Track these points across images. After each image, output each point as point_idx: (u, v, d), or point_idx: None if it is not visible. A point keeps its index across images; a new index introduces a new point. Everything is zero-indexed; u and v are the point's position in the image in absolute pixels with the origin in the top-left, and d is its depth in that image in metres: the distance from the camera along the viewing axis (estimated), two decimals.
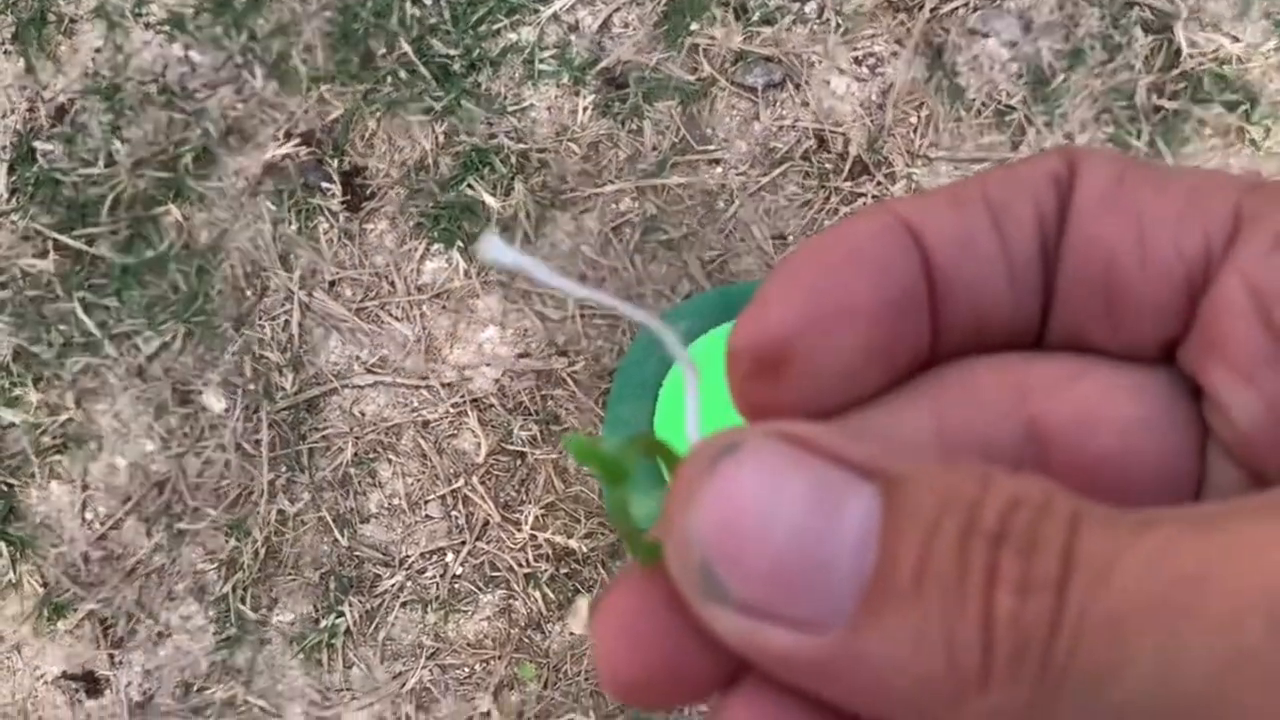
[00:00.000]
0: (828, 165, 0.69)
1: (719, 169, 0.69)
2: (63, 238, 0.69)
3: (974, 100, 0.69)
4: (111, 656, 0.69)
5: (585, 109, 0.69)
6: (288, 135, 0.69)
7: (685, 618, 0.11)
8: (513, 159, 0.68)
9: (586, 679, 0.69)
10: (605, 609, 0.12)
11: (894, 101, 0.69)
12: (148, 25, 0.70)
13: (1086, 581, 0.09)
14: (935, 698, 0.10)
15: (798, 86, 0.69)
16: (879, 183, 0.68)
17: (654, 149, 0.69)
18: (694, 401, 0.12)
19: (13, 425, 0.69)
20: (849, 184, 0.68)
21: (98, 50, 0.70)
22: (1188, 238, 0.12)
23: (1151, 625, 0.09)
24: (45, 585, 0.69)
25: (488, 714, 0.69)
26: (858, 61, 0.69)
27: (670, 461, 0.11)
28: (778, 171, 0.69)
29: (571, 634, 0.69)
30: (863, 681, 0.10)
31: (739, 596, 0.10)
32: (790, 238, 0.69)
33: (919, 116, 0.69)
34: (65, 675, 0.69)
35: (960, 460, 0.11)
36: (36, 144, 0.69)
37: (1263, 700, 0.09)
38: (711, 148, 0.69)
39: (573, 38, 0.69)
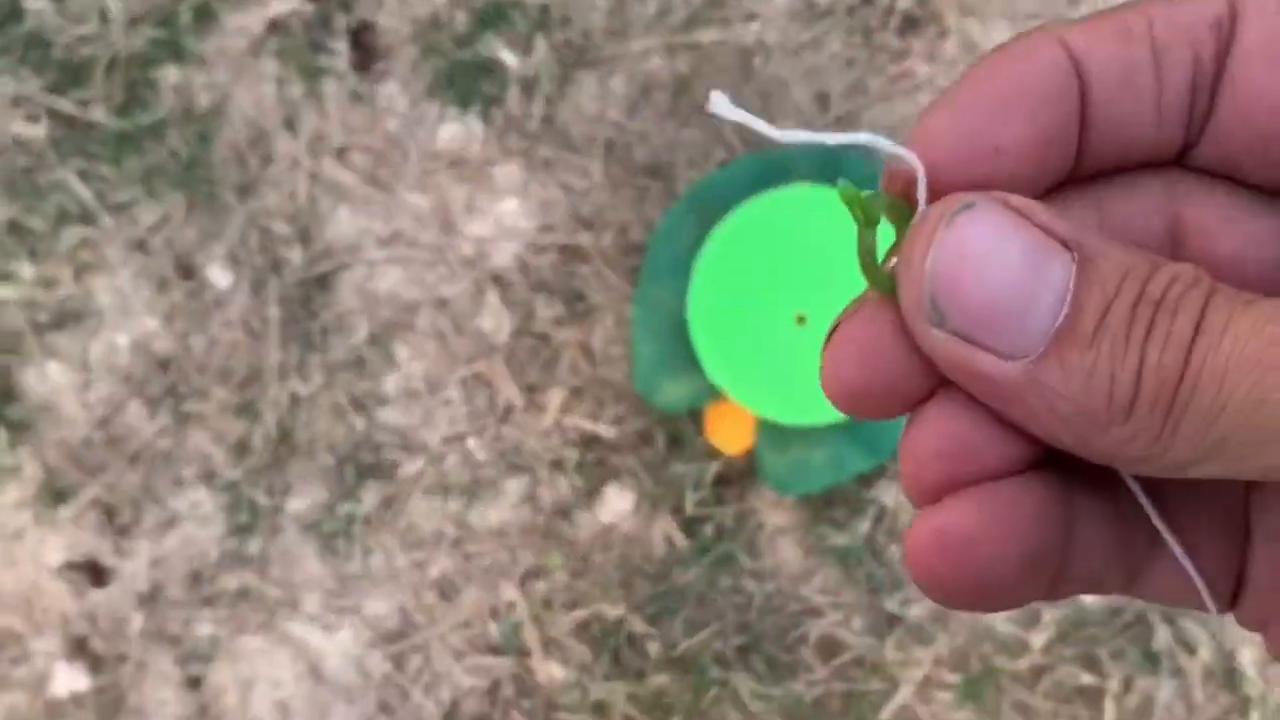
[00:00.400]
0: (873, 21, 0.64)
1: (755, 25, 0.64)
2: (55, 102, 0.64)
3: None
4: (117, 545, 0.66)
5: None
6: None
7: (906, 340, 0.14)
8: (533, 13, 0.64)
9: (615, 569, 0.66)
10: (840, 329, 0.15)
11: None
12: None
13: (1206, 342, 0.13)
14: (1091, 423, 0.13)
15: None
16: (929, 40, 0.63)
17: (685, 2, 0.64)
18: (923, 190, 0.14)
19: (7, 302, 0.65)
20: (897, 41, 0.64)
21: None
22: None
23: (1246, 377, 0.12)
24: (46, 470, 0.66)
25: (513, 604, 0.66)
26: None
27: (903, 217, 0.14)
28: (820, 28, 0.64)
29: (600, 522, 0.66)
30: (1038, 405, 0.13)
31: (954, 325, 0.13)
32: (833, 98, 0.64)
33: None
34: (69, 564, 0.66)
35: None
36: (25, 2, 0.64)
37: None
38: (747, 2, 0.64)
39: None
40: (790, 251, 0.61)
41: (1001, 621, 0.65)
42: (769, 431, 0.62)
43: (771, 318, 0.61)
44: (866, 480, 0.65)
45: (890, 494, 0.65)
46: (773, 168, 0.62)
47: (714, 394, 0.62)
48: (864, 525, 0.65)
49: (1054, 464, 0.15)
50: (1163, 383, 0.13)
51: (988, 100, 0.14)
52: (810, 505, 0.65)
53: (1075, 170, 0.15)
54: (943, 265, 0.13)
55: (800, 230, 0.61)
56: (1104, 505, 0.15)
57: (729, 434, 0.63)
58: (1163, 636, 0.64)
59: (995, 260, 0.13)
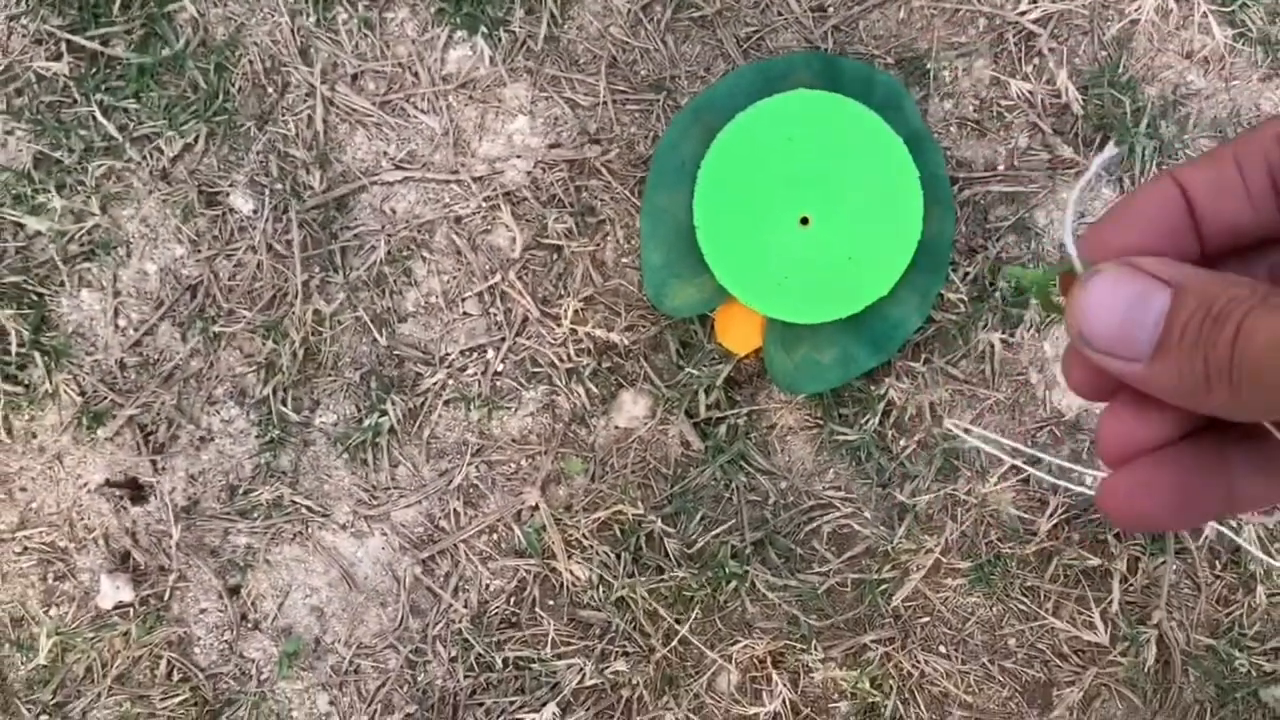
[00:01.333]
0: None
1: None
2: (76, 38, 0.66)
3: None
4: (154, 463, 0.69)
5: None
6: None
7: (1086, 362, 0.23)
8: None
9: (633, 472, 0.68)
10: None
11: None
12: None
13: (1244, 340, 0.19)
14: (1188, 397, 0.21)
15: None
16: None
17: None
18: (1069, 236, 0.23)
19: (39, 234, 0.68)
20: None
21: None
22: None
23: (1267, 367, 0.19)
24: (82, 394, 0.68)
25: (535, 508, 0.69)
26: None
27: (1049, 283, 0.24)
28: None
29: (616, 427, 0.68)
30: (1161, 389, 0.21)
31: (1097, 346, 0.22)
32: (830, 9, 0.66)
33: None
34: (108, 483, 0.69)
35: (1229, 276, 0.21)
36: None
37: None
38: None
39: None
40: (791, 156, 0.63)
41: (1008, 508, 0.68)
42: (777, 333, 0.64)
43: (776, 220, 0.63)
44: (873, 378, 0.67)
45: (897, 390, 0.67)
46: (772, 76, 0.64)
47: (722, 297, 0.64)
48: (872, 421, 0.67)
49: (1212, 430, 0.22)
50: (1219, 370, 0.20)
51: (1118, 218, 0.24)
52: (820, 404, 0.68)
53: (1206, 251, 0.24)
54: (1079, 311, 0.22)
55: (800, 135, 0.63)
56: (1254, 450, 0.22)
57: (737, 335, 0.65)
58: None
59: (1108, 303, 0.22)
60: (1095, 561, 0.68)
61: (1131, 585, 0.68)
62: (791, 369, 0.65)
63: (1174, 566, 0.68)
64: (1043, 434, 0.68)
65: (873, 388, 0.67)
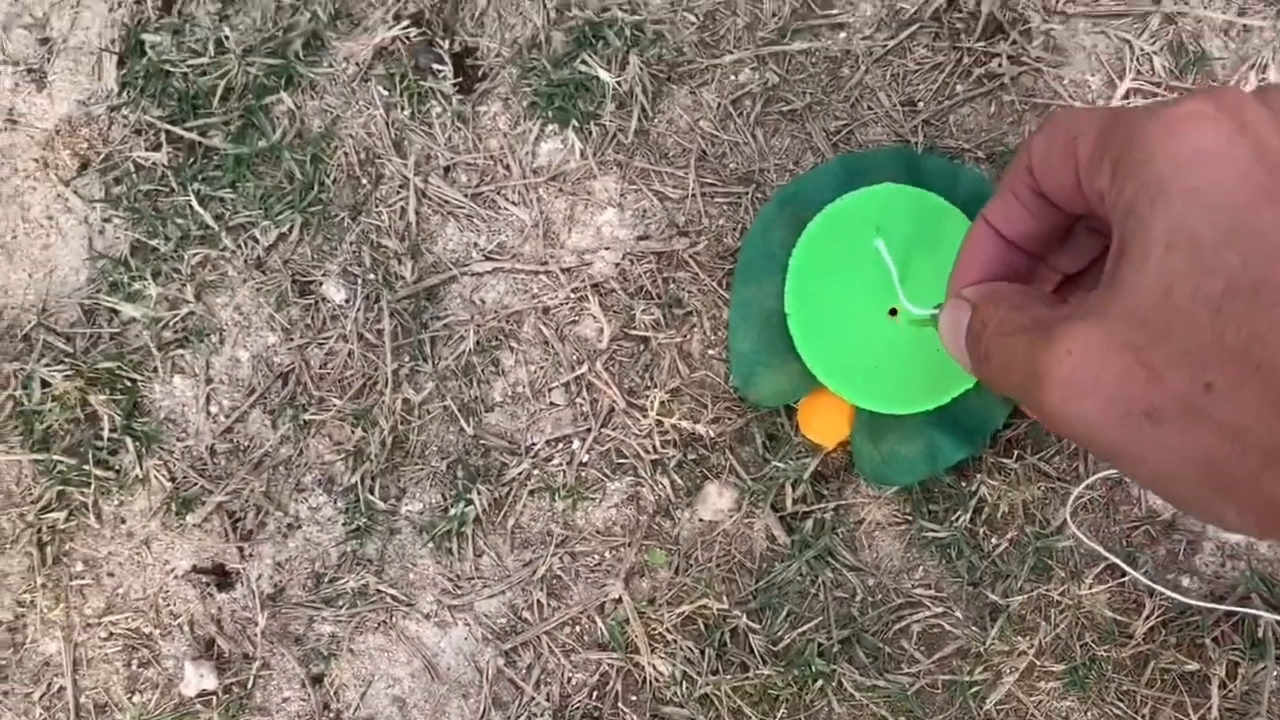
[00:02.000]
0: (959, 25, 0.65)
1: (843, 34, 0.66)
2: (175, 129, 0.68)
3: None
4: (241, 549, 0.69)
5: None
6: (397, 17, 0.67)
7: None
8: (627, 31, 0.66)
9: (717, 565, 0.68)
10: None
11: None
12: None
13: (989, 327, 0.34)
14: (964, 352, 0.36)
15: None
16: (1014, 41, 0.65)
17: (774, 15, 0.66)
18: (895, 272, 0.49)
19: (134, 320, 0.69)
20: (982, 44, 0.65)
21: None
22: (1080, 173, 0.32)
23: (999, 381, 0.34)
24: (172, 480, 0.69)
25: (618, 600, 0.68)
26: None
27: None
28: (906, 34, 0.66)
29: (700, 520, 0.68)
30: (980, 378, 0.35)
31: (952, 355, 0.37)
32: (920, 103, 0.66)
33: None
34: (195, 569, 0.69)
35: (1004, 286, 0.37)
36: (145, 36, 0.68)
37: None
38: (835, 12, 0.66)
39: None
40: (874, 248, 0.63)
41: (1103, 609, 0.66)
42: (864, 424, 0.64)
43: (865, 311, 0.62)
44: (964, 473, 0.66)
45: (988, 487, 0.66)
46: (858, 170, 0.64)
47: (808, 387, 0.63)
48: (963, 517, 0.66)
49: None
50: (976, 350, 0.34)
51: (958, 264, 0.38)
52: (909, 499, 0.67)
53: (1035, 252, 0.38)
54: (940, 327, 0.37)
55: (887, 227, 0.63)
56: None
57: (823, 427, 0.65)
58: (1266, 623, 0.64)
59: (945, 327, 0.36)
60: (1193, 666, 0.66)
61: (1231, 691, 0.66)
62: (879, 461, 0.64)
63: (1275, 673, 0.66)
64: (1138, 534, 0.67)
65: (963, 484, 0.66)
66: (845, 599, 0.67)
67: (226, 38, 0.67)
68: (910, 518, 0.67)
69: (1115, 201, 0.30)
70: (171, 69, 0.68)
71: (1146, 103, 0.33)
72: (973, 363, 0.36)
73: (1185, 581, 0.67)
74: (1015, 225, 0.37)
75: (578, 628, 0.68)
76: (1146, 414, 0.28)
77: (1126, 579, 0.66)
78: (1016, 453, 0.66)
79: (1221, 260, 0.26)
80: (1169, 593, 0.66)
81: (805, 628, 0.67)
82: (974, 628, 0.67)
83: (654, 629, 0.68)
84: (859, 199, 0.62)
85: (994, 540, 0.67)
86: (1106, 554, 0.66)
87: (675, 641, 0.67)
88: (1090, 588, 0.66)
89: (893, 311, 0.62)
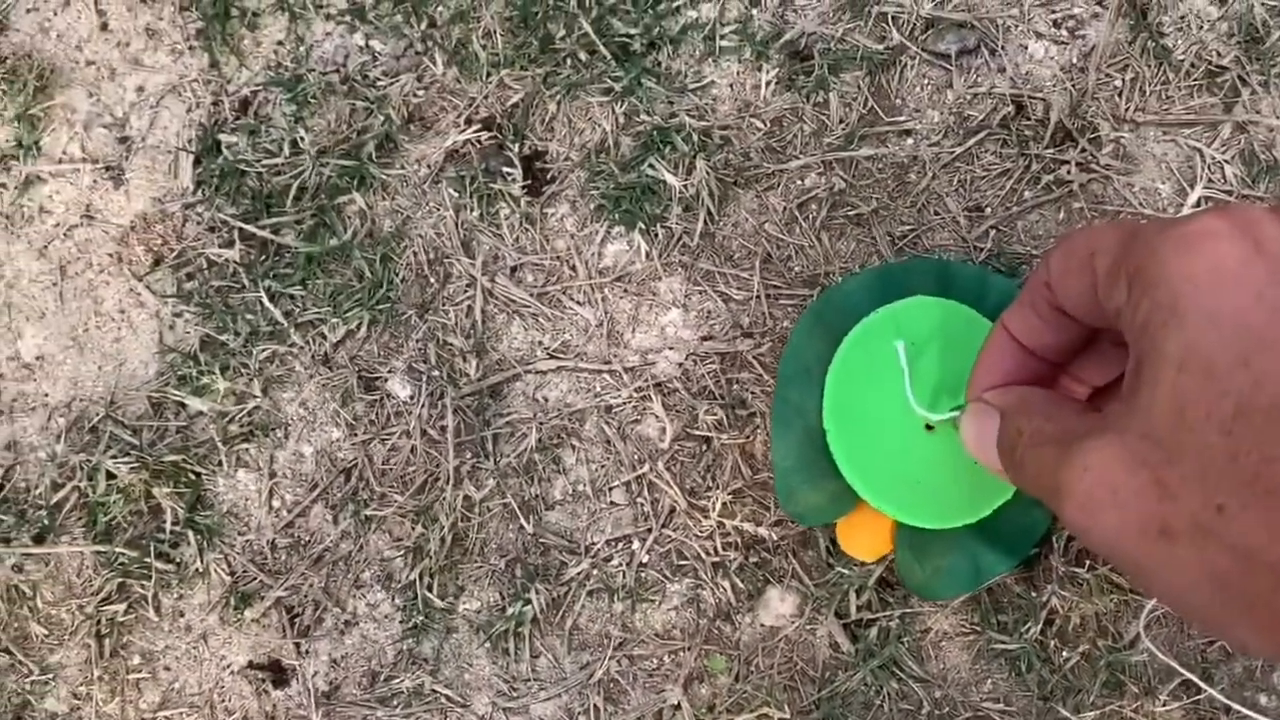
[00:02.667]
0: (1027, 132, 0.66)
1: (910, 140, 0.67)
2: (248, 227, 0.69)
3: (1182, 61, 0.65)
4: (298, 645, 0.68)
5: (768, 84, 0.67)
6: (468, 121, 0.69)
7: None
8: (694, 137, 0.67)
9: (779, 672, 0.66)
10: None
11: (1096, 64, 0.66)
12: (329, 16, 0.70)
13: (1021, 468, 0.37)
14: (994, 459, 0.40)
15: (993, 52, 0.66)
16: (1083, 149, 0.65)
17: (841, 122, 0.67)
18: (907, 376, 0.51)
19: (200, 414, 0.69)
20: (1051, 151, 0.65)
21: (280, 43, 0.71)
22: (1098, 289, 0.34)
23: (1031, 486, 0.36)
24: (232, 574, 0.69)
25: (678, 706, 0.67)
26: (1056, 24, 0.66)
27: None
28: (973, 140, 0.66)
29: (762, 625, 0.67)
30: (1011, 480, 0.39)
31: (974, 457, 0.43)
32: (988, 209, 0.66)
33: (1124, 79, 0.66)
34: (252, 665, 0.69)
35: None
36: (221, 136, 0.70)
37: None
38: (902, 118, 0.67)
39: (754, 11, 0.68)
40: (912, 361, 0.61)
41: None
42: (907, 539, 0.62)
43: (903, 425, 0.61)
44: (1034, 583, 0.65)
45: (1059, 598, 0.64)
46: (890, 281, 0.64)
47: (850, 503, 0.62)
48: (1033, 629, 0.64)
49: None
50: (1009, 460, 0.37)
51: (977, 368, 0.43)
52: (977, 609, 0.65)
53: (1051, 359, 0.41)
54: (963, 438, 0.42)
55: (921, 341, 0.61)
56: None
57: (865, 543, 0.64)
58: None
59: (969, 431, 0.41)
60: None
61: None
62: (924, 576, 0.63)
63: None
64: (1213, 649, 0.65)
65: (1034, 594, 0.65)
66: (911, 711, 0.66)
67: (301, 139, 0.69)
68: (979, 628, 0.65)
69: (1131, 319, 0.30)
70: (246, 168, 0.69)
71: (1164, 219, 0.33)
72: (1007, 470, 0.38)
73: (1263, 700, 0.65)
74: (1034, 336, 0.39)
75: None
76: (1161, 531, 0.28)
77: (1202, 696, 0.64)
78: (1088, 563, 0.65)
79: (1234, 383, 0.27)
80: (1246, 711, 0.64)
81: None
82: None
83: None
84: (892, 312, 0.62)
85: (1065, 653, 0.65)
86: (1181, 670, 0.64)
87: None
88: (1165, 704, 0.64)
89: (929, 426, 0.62)
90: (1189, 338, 0.28)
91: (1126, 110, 0.66)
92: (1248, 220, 0.29)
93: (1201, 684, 0.64)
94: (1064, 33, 0.66)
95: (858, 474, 0.61)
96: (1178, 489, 0.28)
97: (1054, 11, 0.66)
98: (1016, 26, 0.66)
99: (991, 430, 0.39)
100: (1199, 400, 0.28)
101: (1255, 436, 0.26)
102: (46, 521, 0.70)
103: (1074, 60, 0.66)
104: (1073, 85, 0.66)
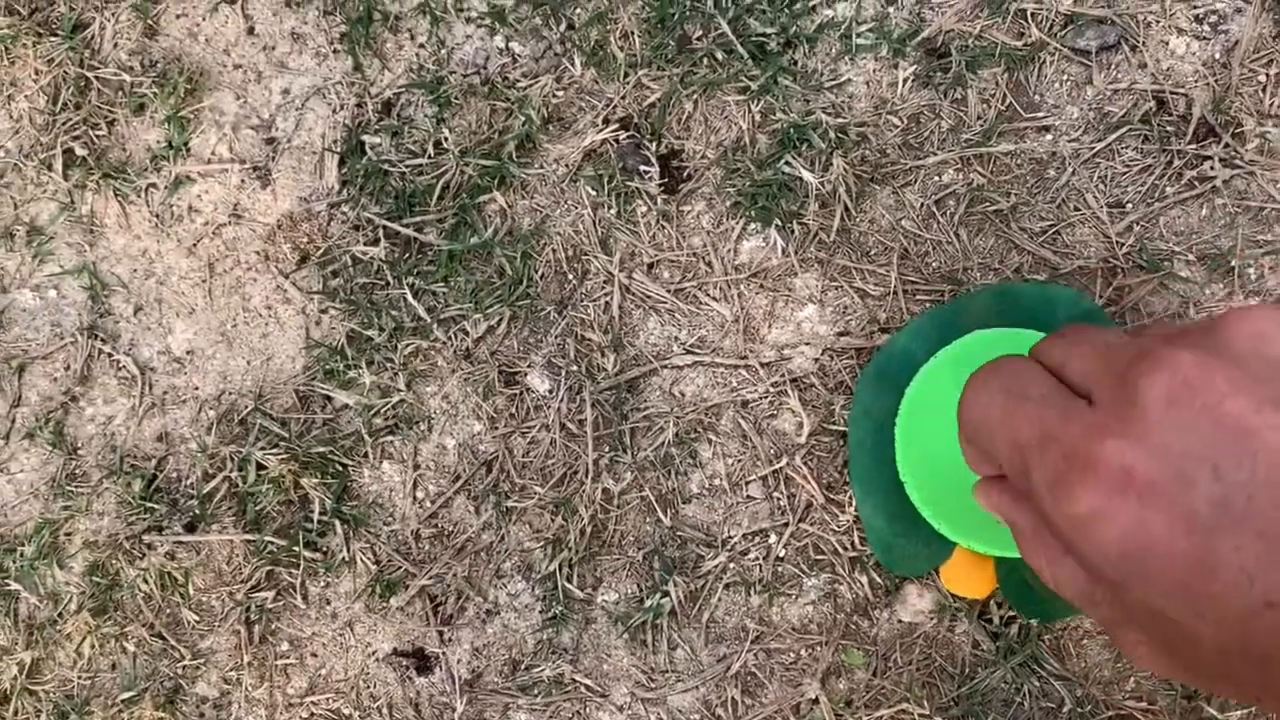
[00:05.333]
0: (1169, 128, 0.66)
1: (1049, 136, 0.67)
2: (392, 225, 0.71)
3: None
4: (441, 634, 0.70)
5: (905, 81, 0.68)
6: (606, 121, 0.70)
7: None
8: (831, 134, 0.68)
9: (918, 668, 0.67)
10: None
11: (1240, 59, 0.65)
12: (469, 19, 0.72)
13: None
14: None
15: (1133, 48, 0.66)
16: (1226, 144, 0.65)
17: (979, 118, 0.67)
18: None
19: (346, 407, 0.71)
20: (1193, 146, 0.65)
21: (421, 46, 0.72)
22: None
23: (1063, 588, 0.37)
24: (377, 563, 0.71)
25: (815, 701, 0.67)
26: (1198, 20, 0.66)
27: None
28: (1114, 136, 0.66)
29: (900, 621, 0.67)
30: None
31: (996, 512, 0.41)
32: (1129, 205, 0.66)
33: (1268, 74, 0.65)
34: (396, 652, 0.71)
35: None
36: (365, 138, 0.72)
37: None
38: (1040, 114, 0.67)
39: (891, 10, 0.68)
40: None
41: None
42: (1009, 572, 0.62)
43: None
44: None
45: None
46: (946, 323, 0.63)
47: (949, 545, 0.62)
48: None
49: None
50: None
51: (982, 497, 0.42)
52: None
53: None
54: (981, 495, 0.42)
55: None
56: None
57: (971, 582, 0.63)
58: None
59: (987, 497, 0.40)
60: None
61: None
62: (1037, 605, 0.63)
63: None
64: None
65: None
66: (1052, 709, 0.66)
67: (445, 139, 0.71)
68: None
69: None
70: (390, 168, 0.71)
71: (1042, 454, 0.32)
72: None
73: None
74: (984, 467, 0.41)
75: None
76: (1268, 604, 0.29)
77: None
78: None
79: (1200, 630, 0.29)
80: None
81: None
82: None
83: None
84: (951, 355, 0.61)
85: None
86: None
87: None
88: None
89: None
90: (1140, 598, 0.30)
91: (1271, 106, 0.65)
92: (1121, 479, 0.29)
93: None
94: (1206, 28, 0.66)
95: (943, 519, 0.60)
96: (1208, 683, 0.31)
97: (1195, 7, 0.66)
98: (1157, 22, 0.66)
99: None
100: (1181, 639, 0.30)
101: (1245, 666, 0.28)
102: (198, 511, 0.72)
103: (1216, 56, 0.66)
104: (1215, 81, 0.66)
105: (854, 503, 0.67)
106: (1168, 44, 0.66)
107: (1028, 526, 0.35)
